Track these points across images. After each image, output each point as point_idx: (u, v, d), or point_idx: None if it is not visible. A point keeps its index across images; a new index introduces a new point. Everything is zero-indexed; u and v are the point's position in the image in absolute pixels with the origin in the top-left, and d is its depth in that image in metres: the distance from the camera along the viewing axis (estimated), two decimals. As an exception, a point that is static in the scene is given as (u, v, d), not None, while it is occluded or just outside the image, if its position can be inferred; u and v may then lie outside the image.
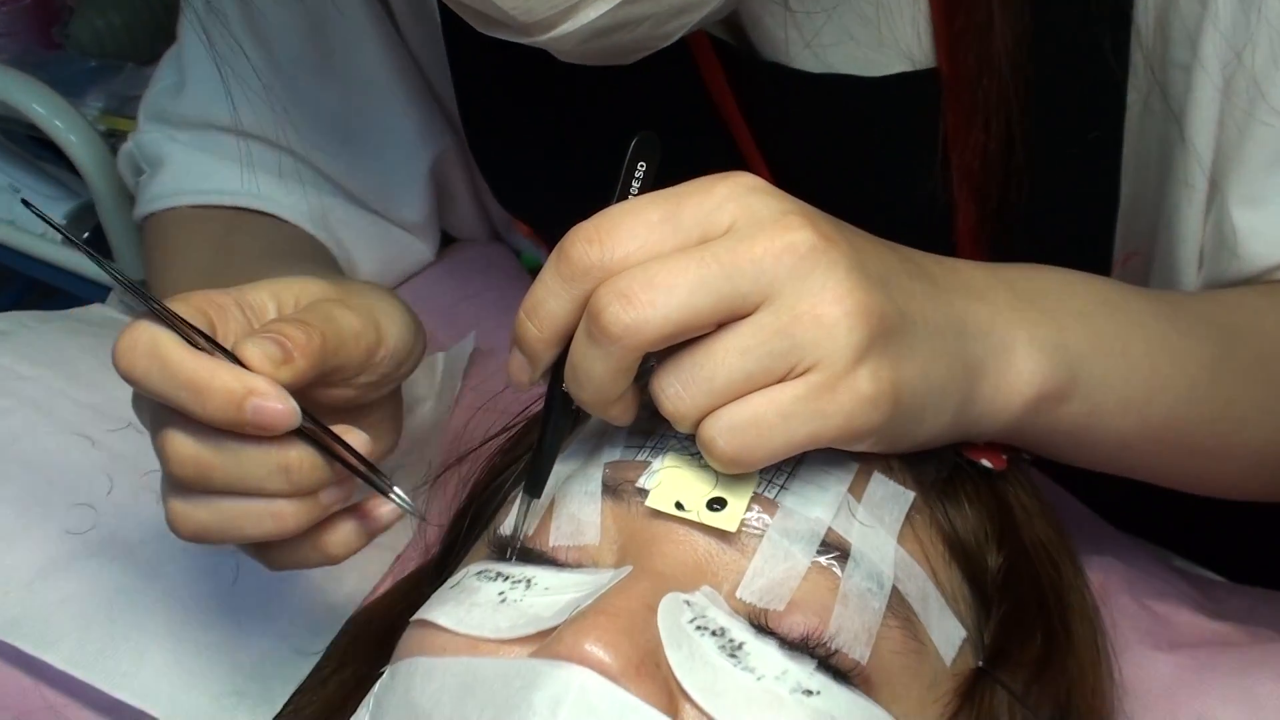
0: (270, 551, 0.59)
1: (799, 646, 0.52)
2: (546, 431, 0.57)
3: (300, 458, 0.55)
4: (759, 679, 0.51)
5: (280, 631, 0.72)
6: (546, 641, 0.51)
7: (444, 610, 0.55)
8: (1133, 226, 0.76)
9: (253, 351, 0.54)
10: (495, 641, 0.53)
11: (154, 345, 0.53)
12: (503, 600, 0.55)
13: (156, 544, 0.74)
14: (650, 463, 0.57)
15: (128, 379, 0.54)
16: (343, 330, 0.58)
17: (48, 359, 0.85)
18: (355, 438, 0.57)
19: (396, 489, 0.58)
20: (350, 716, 0.58)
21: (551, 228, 0.94)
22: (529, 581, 0.56)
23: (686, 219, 0.51)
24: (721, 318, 0.50)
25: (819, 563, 0.54)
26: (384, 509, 0.59)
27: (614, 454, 0.58)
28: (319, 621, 0.73)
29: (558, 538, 0.57)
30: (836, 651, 0.52)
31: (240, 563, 0.72)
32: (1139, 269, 0.79)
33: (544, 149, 0.86)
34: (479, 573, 0.57)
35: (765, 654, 0.52)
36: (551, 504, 0.58)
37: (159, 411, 0.56)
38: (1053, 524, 0.65)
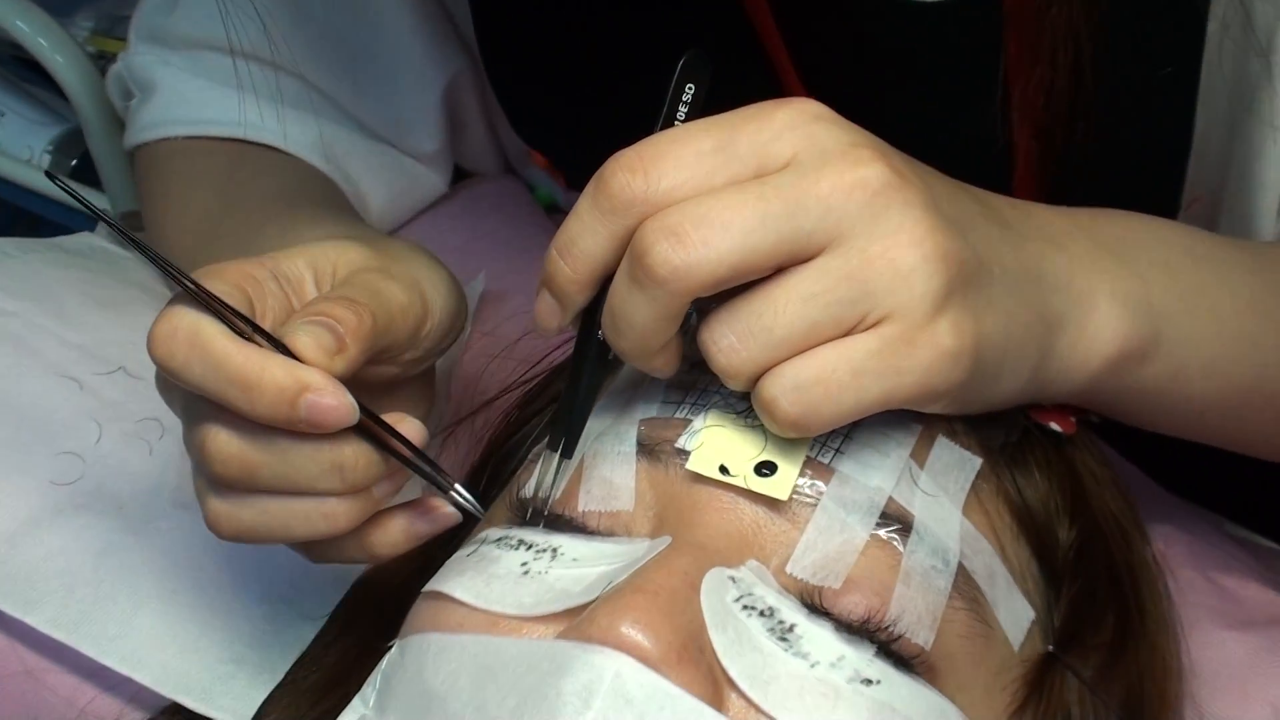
0: (315, 547, 0.54)
1: (857, 630, 0.48)
2: (579, 384, 0.52)
3: (355, 455, 0.50)
4: (812, 666, 0.46)
5: (281, 594, 0.67)
6: (577, 622, 0.46)
7: (460, 582, 0.51)
8: (1200, 170, 0.70)
9: (305, 340, 0.50)
10: (518, 619, 0.49)
11: (196, 333, 0.49)
12: (525, 572, 0.50)
13: (148, 497, 0.70)
14: (691, 421, 0.52)
15: (166, 369, 0.50)
16: (390, 306, 0.54)
17: (30, 292, 0.80)
18: (410, 428, 0.52)
19: (458, 485, 0.53)
20: (353, 688, 0.54)
21: (570, 160, 0.89)
22: (555, 551, 0.51)
23: (742, 148, 0.46)
24: (781, 261, 0.45)
25: (878, 536, 0.49)
26: (443, 510, 0.54)
27: (650, 410, 0.53)
28: (323, 584, 0.68)
29: (587, 502, 0.52)
30: (900, 637, 0.48)
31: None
32: (1202, 216, 0.73)
33: (565, 72, 0.81)
34: (499, 540, 0.52)
35: (819, 638, 0.47)
36: (580, 465, 0.53)
37: (196, 404, 0.51)
38: (1122, 493, 0.60)
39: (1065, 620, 0.54)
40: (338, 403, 0.49)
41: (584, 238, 0.47)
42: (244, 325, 0.50)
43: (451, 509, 0.54)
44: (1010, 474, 0.55)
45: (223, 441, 0.50)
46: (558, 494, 0.53)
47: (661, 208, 0.45)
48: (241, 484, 0.51)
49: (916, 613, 0.48)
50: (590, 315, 0.50)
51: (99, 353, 0.77)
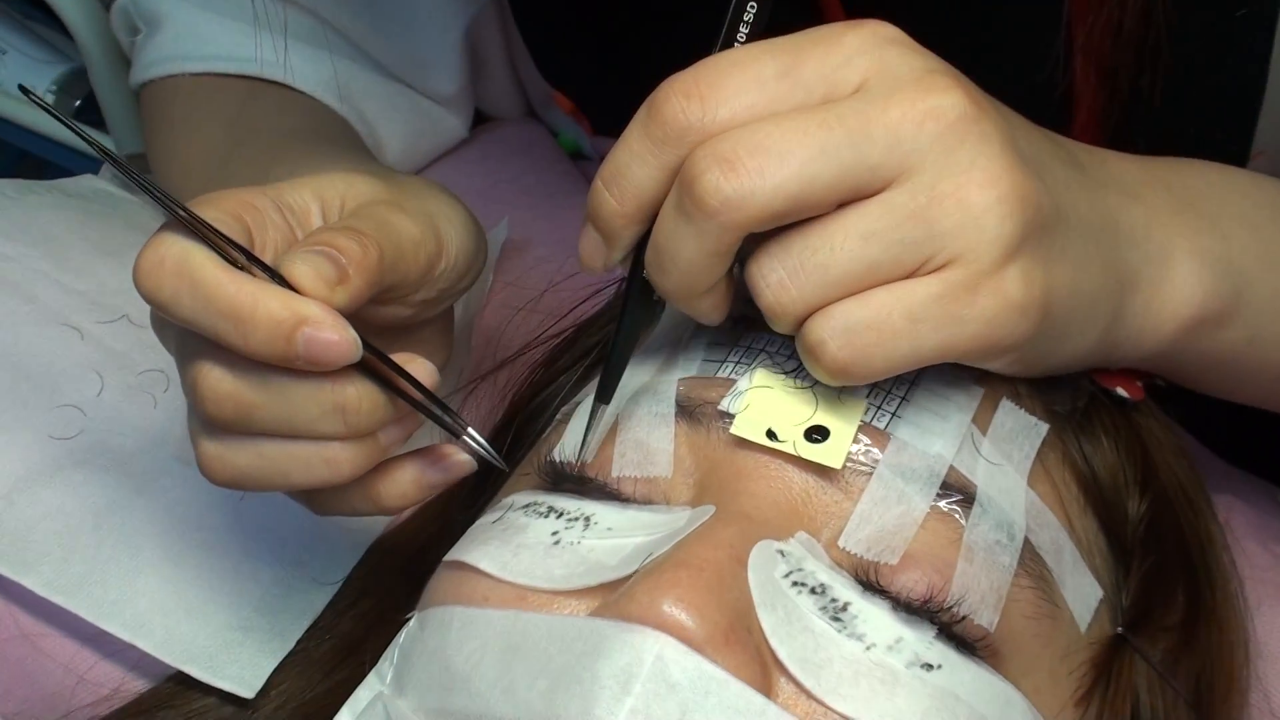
0: (317, 496, 0.51)
1: (917, 610, 0.44)
2: (622, 326, 0.48)
3: (359, 395, 0.47)
4: (868, 649, 0.43)
5: (293, 558, 0.64)
6: (615, 598, 0.43)
7: (485, 551, 0.47)
8: (1271, 123, 0.66)
9: (302, 270, 0.46)
10: (548, 593, 0.45)
11: (184, 263, 0.45)
12: (556, 542, 0.47)
13: (153, 453, 0.67)
14: (735, 381, 0.49)
15: (153, 303, 0.46)
16: (401, 240, 0.50)
17: (30, 236, 0.76)
18: (420, 368, 0.48)
19: (471, 430, 0.49)
20: (368, 659, 0.51)
21: (598, 103, 0.86)
22: (587, 520, 0.48)
23: (808, 74, 0.43)
24: (844, 195, 0.42)
25: (939, 508, 0.46)
26: (456, 457, 0.50)
27: (690, 368, 0.50)
28: (338, 547, 0.65)
29: (622, 467, 0.49)
30: (963, 619, 0.44)
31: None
32: (1265, 170, 0.69)
33: (596, 6, 0.76)
34: (526, 506, 0.49)
35: (875, 618, 0.44)
36: (614, 426, 0.50)
37: (188, 339, 0.48)
38: (1190, 463, 0.56)
39: (1135, 599, 0.50)
40: (339, 337, 0.45)
41: (633, 168, 0.44)
42: (238, 255, 0.46)
43: (466, 457, 0.50)
44: (1077, 442, 0.51)
45: (216, 379, 0.47)
46: (589, 456, 0.49)
47: (717, 136, 0.42)
48: (236, 425, 0.48)
49: (980, 591, 0.45)
50: (640, 255, 0.46)
51: (101, 300, 0.73)
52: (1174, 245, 0.49)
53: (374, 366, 0.47)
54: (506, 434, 0.58)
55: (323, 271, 0.46)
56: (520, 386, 0.61)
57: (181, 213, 0.46)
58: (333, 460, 0.48)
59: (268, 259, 0.48)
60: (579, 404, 0.50)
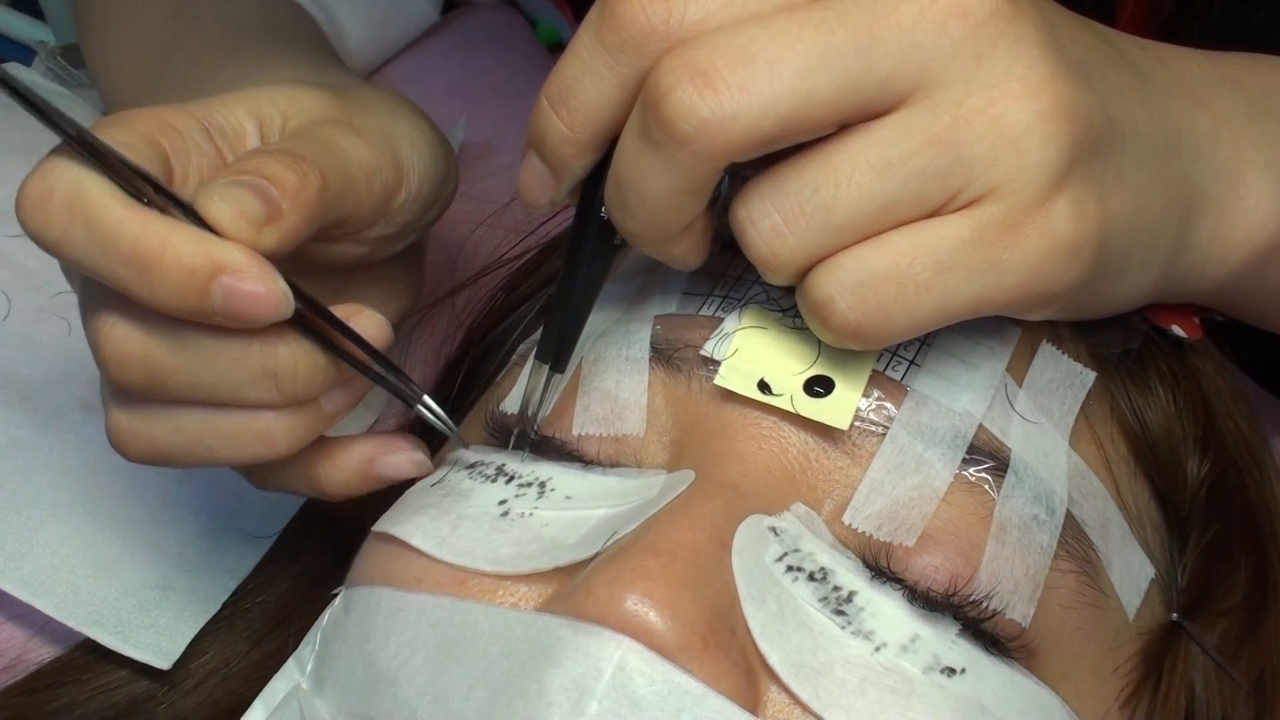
0: (256, 470, 0.45)
1: (937, 602, 0.38)
2: (576, 276, 0.41)
3: (293, 357, 0.40)
4: (877, 650, 0.37)
5: (223, 508, 0.58)
6: (570, 590, 0.36)
7: (419, 522, 0.40)
8: None
9: (221, 207, 0.39)
10: (492, 577, 0.39)
11: (78, 196, 0.38)
12: (504, 513, 0.40)
13: (63, 385, 0.61)
14: (722, 320, 0.41)
15: (41, 242, 0.40)
16: (349, 167, 0.44)
17: (-69, 136, 0.69)
18: (368, 323, 0.42)
19: (428, 399, 0.43)
20: (300, 631, 0.45)
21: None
22: (542, 486, 0.41)
23: None
24: (848, 116, 0.35)
25: (965, 477, 0.39)
26: (410, 456, 0.44)
27: (668, 304, 0.43)
28: (275, 497, 0.57)
29: (585, 423, 0.42)
30: (993, 614, 0.37)
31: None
32: None
33: None
34: (472, 466, 0.42)
35: (886, 611, 0.37)
36: (578, 373, 0.43)
37: (91, 287, 0.41)
38: (1251, 411, 0.49)
39: (1192, 579, 0.43)
40: (264, 289, 0.38)
41: (584, 84, 0.37)
42: (146, 187, 0.39)
43: (422, 458, 0.44)
44: (1126, 392, 0.44)
45: (121, 337, 0.40)
46: (546, 410, 0.41)
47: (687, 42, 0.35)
48: (150, 392, 0.41)
49: (1014, 579, 0.38)
50: (593, 187, 0.40)
51: (12, 211, 0.64)
52: (1246, 159, 0.43)
53: (311, 323, 0.40)
54: (459, 371, 0.51)
55: (247, 208, 0.39)
56: (476, 316, 0.53)
57: (78, 135, 0.39)
58: (266, 434, 0.41)
59: (189, 191, 0.40)
60: (535, 355, 0.42)
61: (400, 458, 0.44)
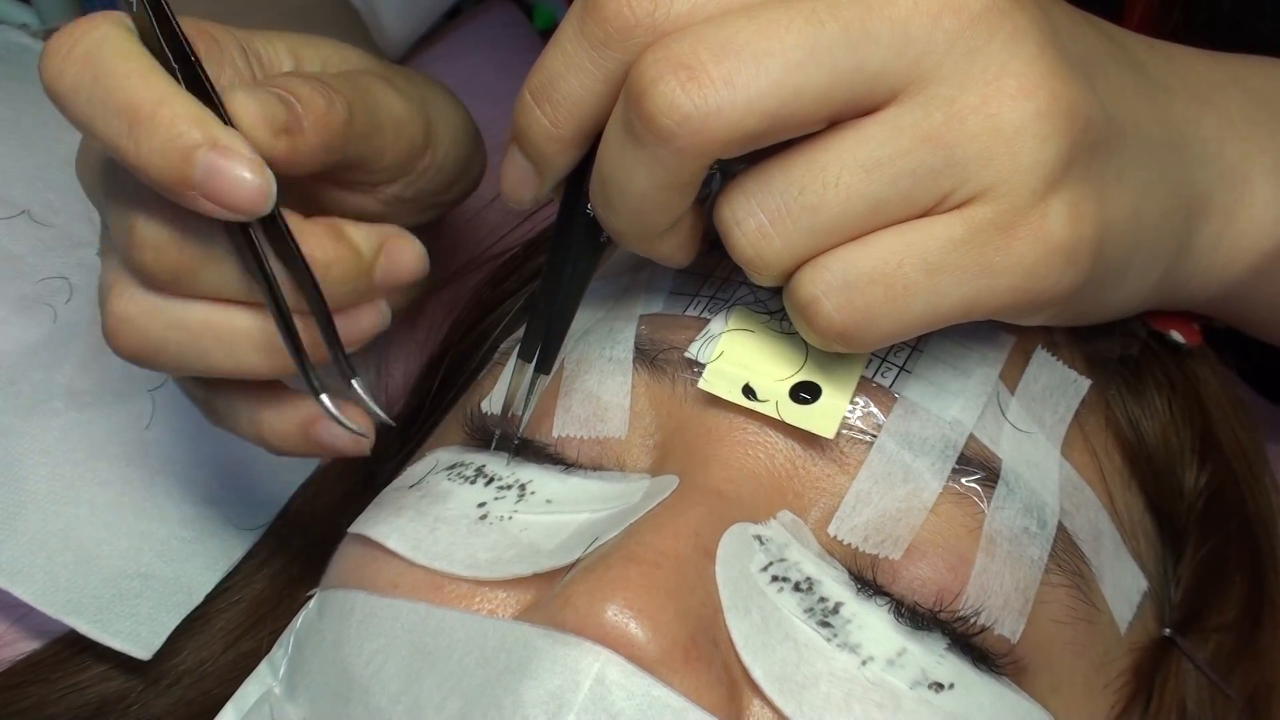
0: (215, 399, 0.44)
1: (925, 617, 0.37)
2: (560, 274, 0.40)
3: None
4: (863, 664, 0.36)
5: (208, 495, 0.57)
6: (548, 598, 0.36)
7: (396, 525, 0.40)
8: None
9: (245, 103, 0.38)
10: (469, 582, 0.38)
11: (96, 50, 0.38)
12: (483, 516, 0.39)
13: (46, 373, 0.59)
14: (708, 321, 0.40)
15: (51, 93, 0.38)
16: (379, 112, 0.43)
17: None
18: (406, 250, 0.41)
19: (357, 383, 0.41)
20: (279, 631, 0.44)
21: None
22: (522, 488, 0.40)
23: None
24: (837, 111, 0.35)
25: (954, 488, 0.38)
26: (340, 428, 0.41)
27: (654, 304, 0.43)
28: (262, 486, 0.57)
29: (566, 425, 0.41)
30: (982, 630, 0.36)
31: (158, 399, 0.58)
32: None
33: None
34: (451, 468, 0.41)
35: (873, 624, 0.37)
36: (560, 373, 0.42)
37: (121, 179, 0.40)
38: (1250, 421, 0.48)
39: (1187, 593, 0.43)
40: (252, 176, 0.36)
41: (568, 78, 0.36)
42: (180, 68, 0.38)
43: (362, 439, 0.42)
44: (1122, 400, 0.43)
45: (161, 222, 0.39)
46: (529, 416, 0.40)
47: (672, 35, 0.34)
48: (174, 282, 0.40)
49: (1003, 593, 0.38)
50: (577, 183, 0.39)
51: (-3, 196, 0.64)
52: (1252, 162, 0.42)
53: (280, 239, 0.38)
54: (439, 369, 0.50)
55: (269, 111, 0.38)
56: (461, 311, 0.52)
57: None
58: (265, 344, 0.40)
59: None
60: (518, 355, 0.41)
61: (341, 431, 0.41)
